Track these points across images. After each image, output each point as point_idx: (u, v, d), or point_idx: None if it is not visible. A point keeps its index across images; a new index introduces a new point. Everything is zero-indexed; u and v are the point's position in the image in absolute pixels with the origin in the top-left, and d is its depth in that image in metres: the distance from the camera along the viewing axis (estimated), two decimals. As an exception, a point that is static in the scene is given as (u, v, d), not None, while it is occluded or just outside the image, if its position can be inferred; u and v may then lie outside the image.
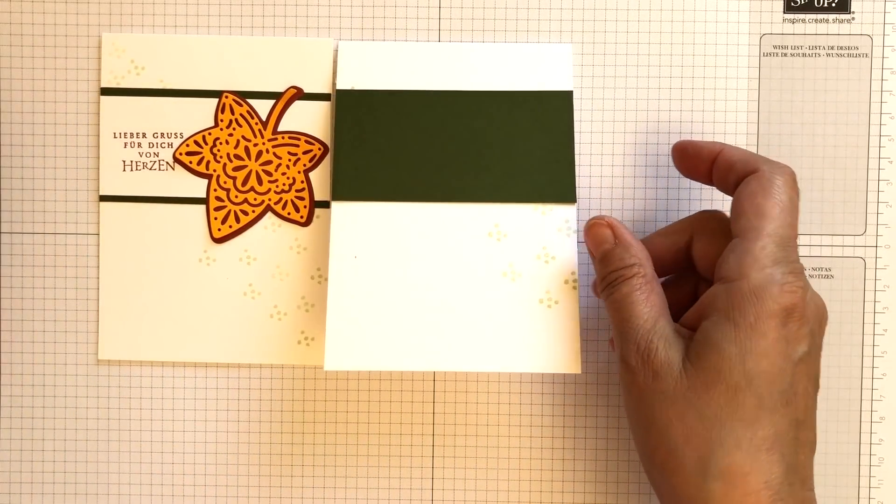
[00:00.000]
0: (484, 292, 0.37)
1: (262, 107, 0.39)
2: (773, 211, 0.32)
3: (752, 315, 0.31)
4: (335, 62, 0.39)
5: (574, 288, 0.37)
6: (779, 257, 0.32)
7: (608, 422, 0.40)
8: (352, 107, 0.38)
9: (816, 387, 0.33)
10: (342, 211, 0.38)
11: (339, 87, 0.38)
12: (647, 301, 0.33)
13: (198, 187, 0.39)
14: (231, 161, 0.39)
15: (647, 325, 0.32)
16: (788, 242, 0.32)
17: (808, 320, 0.31)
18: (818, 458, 0.39)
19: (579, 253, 0.37)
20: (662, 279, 0.35)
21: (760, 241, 0.32)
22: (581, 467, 0.40)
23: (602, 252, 0.35)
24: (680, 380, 0.31)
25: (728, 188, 0.34)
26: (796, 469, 0.31)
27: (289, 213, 0.39)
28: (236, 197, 0.39)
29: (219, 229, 0.39)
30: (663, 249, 0.36)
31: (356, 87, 0.38)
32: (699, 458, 0.30)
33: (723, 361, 0.31)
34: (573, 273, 0.37)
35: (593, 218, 0.36)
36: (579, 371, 0.36)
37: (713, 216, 0.35)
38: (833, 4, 0.39)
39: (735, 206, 0.33)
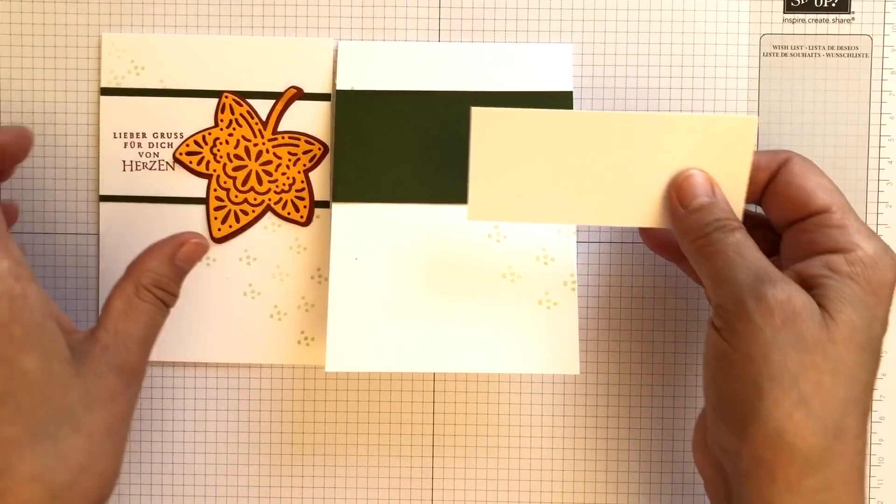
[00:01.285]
0: (484, 294, 0.37)
1: (262, 107, 0.39)
2: (836, 188, 0.33)
3: (877, 282, 0.30)
4: (335, 62, 0.39)
5: (573, 289, 0.37)
6: (869, 231, 0.32)
7: (608, 422, 0.40)
8: (352, 107, 0.38)
9: None
10: (342, 212, 0.38)
11: (339, 87, 0.38)
12: (758, 254, 0.31)
13: (198, 187, 0.39)
14: (231, 161, 0.39)
15: (770, 272, 0.30)
16: (859, 218, 0.33)
17: None
18: (818, 458, 0.39)
19: (578, 254, 0.37)
20: None
21: (850, 214, 0.32)
22: (581, 467, 0.40)
23: (699, 203, 0.32)
24: (819, 329, 0.30)
25: (758, 188, 0.34)
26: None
27: (289, 213, 0.39)
28: (236, 197, 0.39)
29: (219, 229, 0.39)
30: None
31: (356, 88, 0.38)
32: (825, 414, 0.29)
33: (859, 319, 0.30)
34: (572, 274, 0.37)
35: (683, 171, 0.33)
36: (578, 372, 0.36)
37: (801, 157, 0.34)
38: (833, 4, 0.39)
39: (792, 188, 0.33)
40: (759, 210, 0.35)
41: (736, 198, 0.33)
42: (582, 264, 0.39)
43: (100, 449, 0.30)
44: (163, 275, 0.34)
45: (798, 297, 0.30)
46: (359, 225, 0.37)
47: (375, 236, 0.37)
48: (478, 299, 0.37)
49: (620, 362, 0.39)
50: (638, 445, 0.40)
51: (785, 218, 0.33)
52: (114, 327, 0.31)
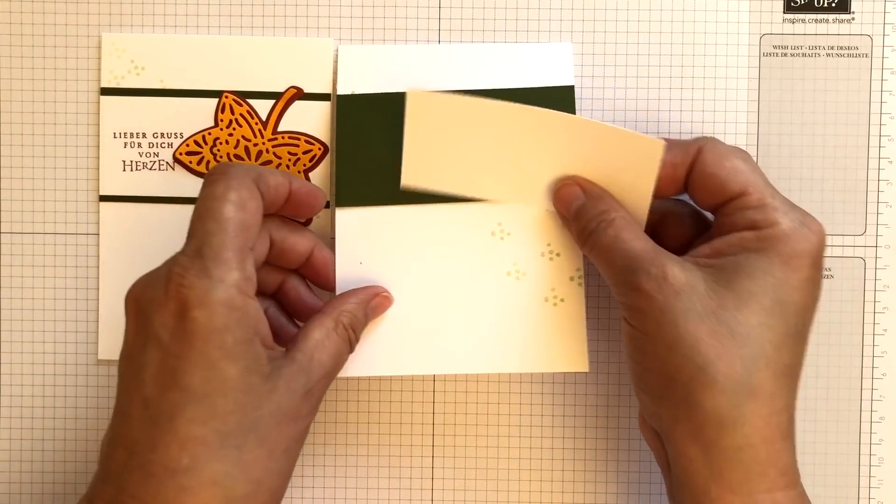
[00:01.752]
0: (489, 292, 0.37)
1: (262, 107, 0.39)
2: (753, 167, 0.34)
3: (787, 253, 0.32)
4: (335, 62, 0.39)
5: (580, 285, 0.37)
6: (790, 203, 0.33)
7: (608, 422, 0.40)
8: (352, 111, 0.38)
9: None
10: (346, 218, 0.37)
11: (339, 92, 0.38)
12: (639, 236, 0.33)
13: (198, 187, 0.39)
14: (231, 161, 0.39)
15: (651, 252, 0.32)
16: (779, 193, 0.34)
17: (822, 266, 0.33)
18: (818, 458, 0.39)
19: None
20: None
21: (767, 192, 0.33)
22: (581, 467, 0.40)
23: (575, 208, 0.35)
24: (709, 298, 0.31)
25: (680, 183, 0.35)
26: (793, 409, 0.32)
27: (289, 213, 0.39)
28: (236, 197, 0.39)
29: (219, 229, 0.39)
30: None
31: (356, 92, 0.38)
32: (731, 374, 0.30)
33: (757, 287, 0.31)
34: (578, 270, 0.37)
35: (560, 180, 0.36)
36: (587, 369, 0.36)
37: (716, 142, 0.35)
38: (833, 4, 0.39)
39: (707, 177, 0.33)
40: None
41: (639, 212, 0.35)
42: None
43: (276, 466, 0.31)
44: (357, 318, 0.35)
45: (678, 273, 0.31)
46: (362, 229, 0.37)
47: (380, 239, 0.37)
48: (483, 298, 0.37)
49: (621, 362, 0.39)
50: (639, 445, 0.40)
51: (709, 204, 0.34)
52: (310, 354, 0.32)
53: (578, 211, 0.35)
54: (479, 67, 0.38)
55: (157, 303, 0.30)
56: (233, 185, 0.32)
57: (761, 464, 0.30)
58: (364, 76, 0.38)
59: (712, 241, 0.33)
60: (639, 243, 0.33)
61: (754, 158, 0.39)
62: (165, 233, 0.39)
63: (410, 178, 0.37)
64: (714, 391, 0.30)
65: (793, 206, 0.33)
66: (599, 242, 0.34)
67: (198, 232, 0.31)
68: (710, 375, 0.30)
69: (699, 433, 0.31)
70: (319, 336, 0.33)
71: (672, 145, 0.34)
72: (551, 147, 0.35)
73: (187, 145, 0.39)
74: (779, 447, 0.31)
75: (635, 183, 0.34)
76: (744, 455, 0.30)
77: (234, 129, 0.39)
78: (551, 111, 0.34)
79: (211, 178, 0.32)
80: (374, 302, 0.36)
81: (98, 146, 0.40)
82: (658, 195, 0.34)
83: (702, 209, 0.36)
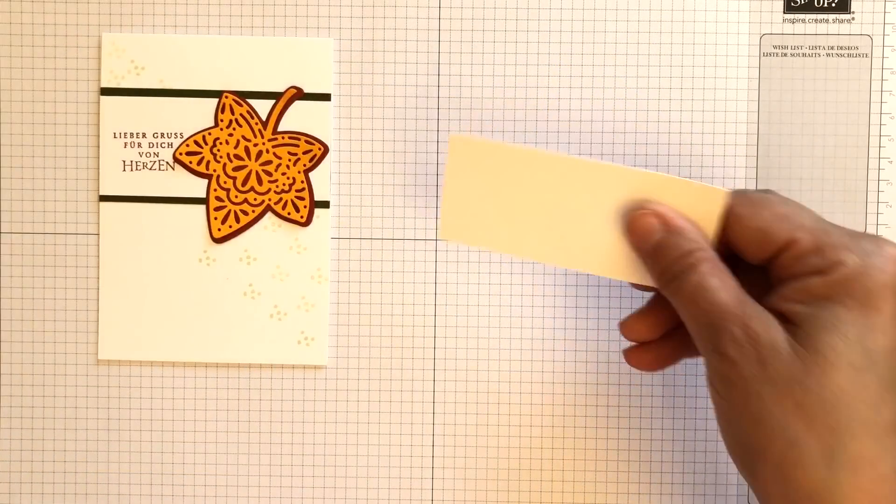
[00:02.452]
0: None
1: (262, 107, 0.39)
2: (795, 207, 0.30)
3: (861, 293, 0.28)
4: (335, 62, 0.39)
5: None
6: (852, 233, 0.30)
7: (608, 422, 0.40)
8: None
9: None
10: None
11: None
12: (725, 284, 0.30)
13: (198, 187, 0.39)
14: (231, 161, 0.39)
15: (736, 308, 0.29)
16: (838, 226, 0.30)
17: None
18: (818, 458, 0.39)
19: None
20: None
21: (821, 230, 0.30)
22: (581, 467, 0.40)
23: (653, 245, 0.31)
24: (793, 364, 0.28)
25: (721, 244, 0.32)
26: None
27: (289, 213, 0.39)
28: (236, 197, 0.39)
29: (219, 229, 0.39)
30: None
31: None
32: (824, 447, 0.28)
33: (840, 341, 0.28)
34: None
35: (634, 210, 0.32)
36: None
37: (746, 194, 0.32)
38: (833, 4, 0.39)
39: (748, 234, 0.31)
40: None
41: None
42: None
43: None
44: None
45: (763, 337, 0.29)
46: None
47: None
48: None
49: (621, 362, 0.39)
50: (638, 445, 0.40)
51: (760, 259, 0.31)
52: None
53: (657, 249, 0.31)
54: None
55: None
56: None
57: None
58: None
59: (781, 288, 0.30)
60: (725, 294, 0.29)
61: (754, 159, 0.39)
62: (165, 233, 0.39)
63: (450, 231, 0.35)
64: (807, 468, 0.28)
65: (854, 235, 0.29)
66: (682, 291, 0.30)
67: None
68: (801, 450, 0.28)
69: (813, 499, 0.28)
70: None
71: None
72: (606, 201, 0.33)
73: (187, 145, 0.39)
74: None
75: None
76: None
77: (234, 129, 0.39)
78: (605, 163, 0.33)
79: None
80: None
81: (98, 146, 0.40)
82: None
83: (753, 264, 0.32)
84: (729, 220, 0.31)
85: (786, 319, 0.29)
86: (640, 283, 0.33)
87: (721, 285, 0.30)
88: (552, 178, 0.33)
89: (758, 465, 0.29)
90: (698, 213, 0.32)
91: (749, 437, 0.29)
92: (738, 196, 0.31)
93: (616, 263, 0.33)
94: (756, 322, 0.29)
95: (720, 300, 0.29)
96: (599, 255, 0.33)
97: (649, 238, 0.32)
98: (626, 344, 0.36)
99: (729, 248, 0.31)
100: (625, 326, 0.34)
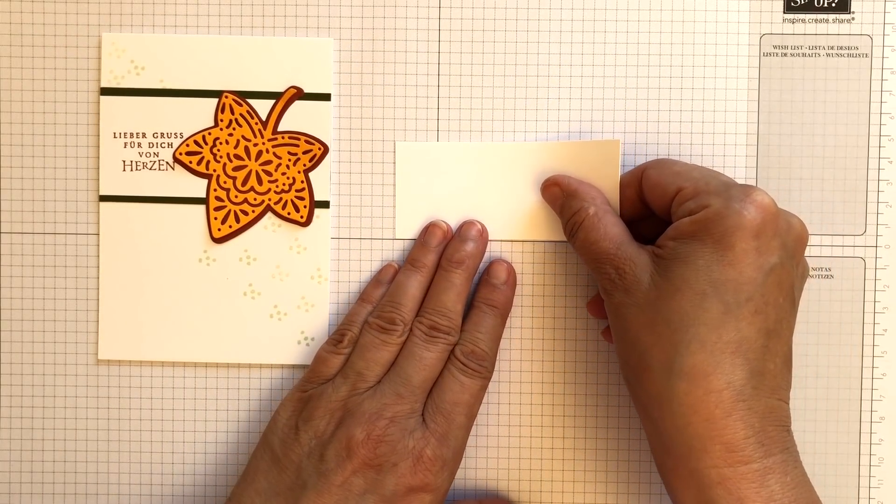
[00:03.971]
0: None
1: (262, 107, 0.39)
2: (692, 167, 0.35)
3: (720, 230, 0.32)
4: (335, 62, 0.39)
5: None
6: (729, 183, 0.34)
7: (608, 422, 0.40)
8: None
9: (792, 303, 0.33)
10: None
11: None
12: (605, 236, 0.35)
13: (198, 187, 0.39)
14: (231, 161, 0.39)
15: (611, 252, 0.34)
16: (724, 177, 0.34)
17: (779, 233, 0.32)
18: (818, 458, 0.39)
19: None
20: None
21: (703, 181, 0.34)
22: (581, 467, 0.40)
23: (558, 209, 0.38)
24: (649, 291, 0.33)
25: (636, 203, 0.37)
26: (763, 375, 0.32)
27: (289, 213, 0.39)
28: (236, 197, 0.39)
29: (219, 229, 0.39)
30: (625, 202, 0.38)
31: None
32: (665, 360, 0.32)
33: (689, 271, 0.32)
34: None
35: (543, 183, 0.38)
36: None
37: (654, 162, 0.37)
38: (833, 4, 0.39)
39: (651, 189, 0.36)
40: None
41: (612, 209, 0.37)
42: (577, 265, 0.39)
43: None
44: None
45: (627, 274, 0.34)
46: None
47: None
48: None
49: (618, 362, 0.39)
50: (639, 445, 0.40)
51: (662, 212, 0.36)
52: None
53: (560, 211, 0.38)
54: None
55: (399, 470, 0.34)
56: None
57: (702, 440, 0.31)
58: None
59: (666, 230, 0.34)
60: (604, 242, 0.35)
61: (754, 159, 0.39)
62: (165, 233, 0.39)
63: (404, 230, 0.39)
64: (651, 376, 0.32)
65: (730, 185, 0.33)
66: (576, 243, 0.36)
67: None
68: (647, 362, 0.32)
69: (647, 412, 0.33)
70: None
71: (624, 173, 0.37)
72: (526, 175, 0.39)
73: (187, 145, 0.39)
74: (721, 424, 0.31)
75: (603, 184, 0.37)
76: (684, 432, 0.32)
77: (234, 128, 0.39)
78: (513, 144, 0.39)
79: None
80: None
81: (98, 146, 0.40)
82: (627, 219, 0.37)
83: (664, 219, 0.36)
84: (641, 181, 0.36)
85: (658, 255, 0.34)
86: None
87: (602, 235, 0.35)
88: (483, 163, 0.39)
89: (625, 373, 0.35)
90: (602, 164, 0.38)
91: (621, 351, 0.34)
92: (651, 161, 0.37)
93: (545, 227, 0.39)
94: (626, 261, 0.34)
95: (599, 247, 0.35)
96: (530, 221, 0.39)
97: (555, 203, 0.38)
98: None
99: (646, 204, 0.37)
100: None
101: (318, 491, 0.34)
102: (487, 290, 0.38)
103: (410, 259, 0.39)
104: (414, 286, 0.38)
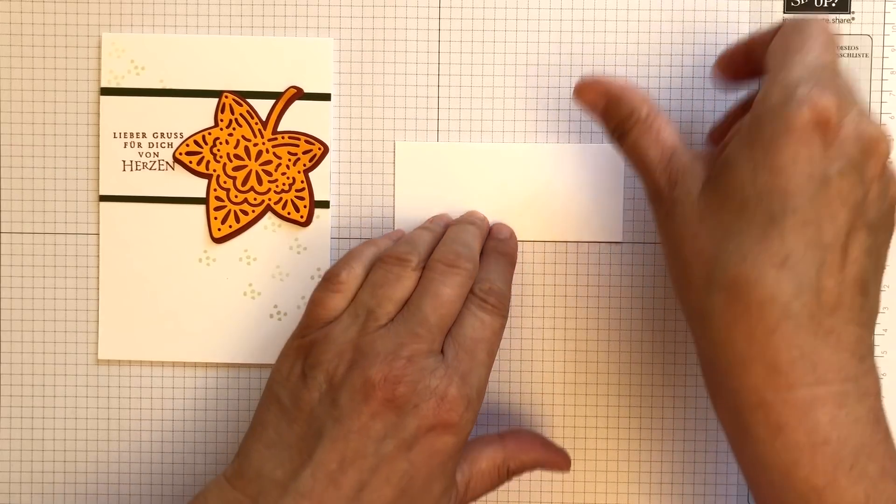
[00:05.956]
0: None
1: (262, 107, 0.39)
2: (809, 42, 0.31)
3: (769, 132, 0.29)
4: (335, 62, 0.39)
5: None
6: (805, 76, 0.30)
7: (608, 422, 0.40)
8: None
9: (861, 218, 0.29)
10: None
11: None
12: (655, 143, 0.33)
13: (198, 187, 0.39)
14: (231, 161, 0.39)
15: (661, 164, 0.32)
16: (825, 66, 0.30)
17: (844, 142, 0.29)
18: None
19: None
20: None
21: (788, 66, 0.30)
22: (581, 467, 0.40)
23: (598, 113, 0.35)
24: (697, 203, 0.31)
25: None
26: (819, 293, 0.29)
27: (289, 213, 0.39)
28: (236, 197, 0.39)
29: (219, 229, 0.39)
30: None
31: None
32: (706, 273, 0.30)
33: (735, 180, 0.30)
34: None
35: (578, 84, 0.35)
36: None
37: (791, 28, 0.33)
38: (833, 4, 0.39)
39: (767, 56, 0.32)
40: None
41: (614, 212, 0.39)
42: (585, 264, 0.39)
43: None
44: (524, 468, 0.37)
45: (677, 187, 0.32)
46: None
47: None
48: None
49: (621, 361, 0.39)
50: (639, 445, 0.40)
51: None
52: (468, 480, 0.35)
53: (603, 115, 0.35)
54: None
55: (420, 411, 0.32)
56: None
57: (741, 358, 0.29)
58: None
59: (727, 135, 0.32)
60: (655, 150, 0.33)
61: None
62: (165, 233, 0.39)
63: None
64: (693, 290, 0.31)
65: (803, 81, 0.29)
66: (624, 149, 0.34)
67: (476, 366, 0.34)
68: (689, 275, 0.31)
69: (693, 330, 0.32)
70: (486, 468, 0.35)
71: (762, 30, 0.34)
72: (526, 176, 0.39)
73: (187, 145, 0.39)
74: (762, 342, 0.29)
75: (606, 189, 0.38)
76: (724, 350, 0.29)
77: (234, 129, 0.39)
78: (514, 144, 0.39)
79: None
80: (548, 461, 0.37)
81: (98, 146, 0.40)
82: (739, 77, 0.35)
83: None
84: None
85: (712, 162, 0.31)
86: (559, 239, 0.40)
87: (653, 141, 0.33)
88: (483, 163, 0.39)
89: (674, 286, 0.33)
90: (604, 169, 0.39)
91: (668, 264, 0.33)
92: (791, 21, 0.33)
93: (545, 227, 0.39)
94: (675, 172, 0.32)
95: (648, 157, 0.33)
96: (530, 221, 0.39)
97: (594, 108, 0.35)
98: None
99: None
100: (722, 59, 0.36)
101: (334, 439, 0.31)
102: (495, 242, 0.38)
103: (423, 225, 0.38)
104: (428, 239, 0.36)
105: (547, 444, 0.37)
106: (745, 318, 0.29)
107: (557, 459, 0.37)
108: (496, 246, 0.37)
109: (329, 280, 0.35)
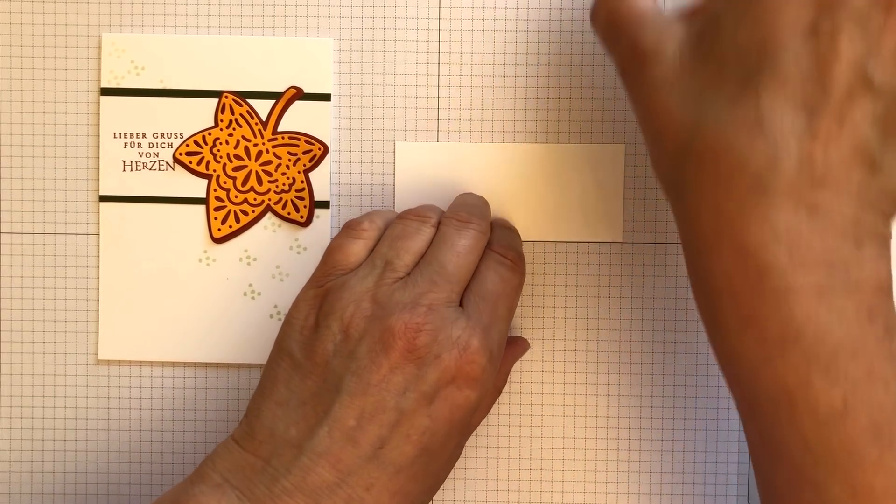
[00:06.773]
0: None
1: (262, 107, 0.39)
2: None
3: None
4: (335, 62, 0.39)
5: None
6: None
7: (608, 422, 0.40)
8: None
9: (873, 89, 0.25)
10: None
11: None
12: (630, 5, 0.30)
13: (198, 187, 0.39)
14: (231, 161, 0.39)
15: (634, 25, 0.29)
16: None
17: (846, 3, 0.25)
18: (818, 458, 0.39)
19: (568, 253, 0.37)
20: None
21: None
22: (581, 467, 0.40)
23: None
24: (672, 65, 0.28)
25: None
26: (800, 161, 0.25)
27: (289, 213, 0.39)
28: (236, 197, 0.39)
29: (219, 229, 0.39)
30: None
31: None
32: (679, 140, 0.27)
33: (714, 37, 0.27)
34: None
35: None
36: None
37: None
38: None
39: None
40: None
41: (615, 212, 0.39)
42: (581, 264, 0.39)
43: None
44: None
45: (646, 46, 0.28)
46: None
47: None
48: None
49: (621, 361, 0.39)
50: (639, 445, 0.40)
51: None
52: None
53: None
54: None
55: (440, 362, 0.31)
56: None
57: (709, 238, 0.26)
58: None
59: None
60: (627, 11, 0.30)
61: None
62: (165, 233, 0.39)
63: None
64: (666, 163, 0.28)
65: None
66: (597, 20, 0.31)
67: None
68: (662, 147, 0.28)
69: (669, 199, 0.29)
70: None
71: None
72: (526, 176, 0.39)
73: (187, 145, 0.39)
74: (731, 219, 0.25)
75: (607, 190, 0.38)
76: (694, 228, 0.27)
77: (234, 129, 0.39)
78: (513, 144, 0.39)
79: None
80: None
81: (98, 146, 0.40)
82: None
83: None
84: None
85: (692, 22, 0.29)
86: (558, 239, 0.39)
87: (625, 5, 0.30)
88: (483, 164, 0.39)
89: (650, 159, 0.30)
90: (605, 169, 0.39)
91: (644, 135, 0.30)
92: None
93: (545, 227, 0.39)
94: (651, 33, 0.29)
95: (621, 18, 0.30)
96: (531, 222, 0.39)
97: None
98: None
99: None
100: None
101: (352, 393, 0.30)
102: (501, 221, 0.38)
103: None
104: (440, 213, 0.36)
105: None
106: (713, 191, 0.26)
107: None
108: (503, 223, 0.38)
109: (351, 227, 0.34)
